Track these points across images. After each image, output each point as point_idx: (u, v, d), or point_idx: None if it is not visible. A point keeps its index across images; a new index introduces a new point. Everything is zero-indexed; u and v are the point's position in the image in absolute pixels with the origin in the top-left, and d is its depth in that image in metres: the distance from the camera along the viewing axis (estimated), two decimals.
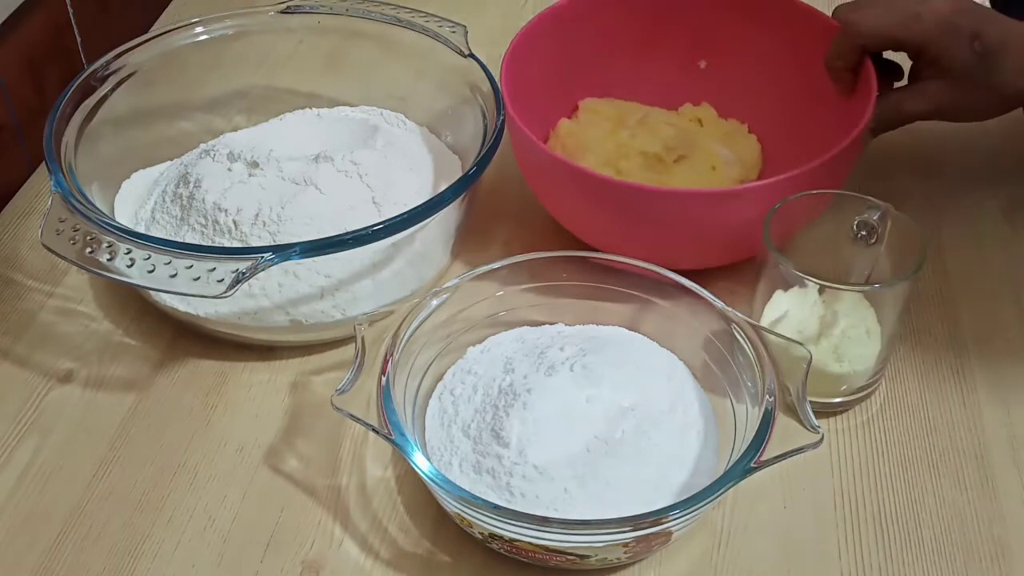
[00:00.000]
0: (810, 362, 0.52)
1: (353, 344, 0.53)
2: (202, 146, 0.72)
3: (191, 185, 0.64)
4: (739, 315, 0.55)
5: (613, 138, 0.70)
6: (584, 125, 0.72)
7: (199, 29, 0.72)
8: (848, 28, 0.65)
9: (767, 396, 0.51)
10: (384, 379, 0.52)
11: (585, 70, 0.74)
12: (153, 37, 0.71)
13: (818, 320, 0.58)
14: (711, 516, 0.54)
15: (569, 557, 0.50)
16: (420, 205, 0.58)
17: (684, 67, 0.75)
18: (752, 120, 0.73)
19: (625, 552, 0.50)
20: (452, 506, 0.50)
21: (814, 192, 0.59)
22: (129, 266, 0.54)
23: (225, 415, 0.60)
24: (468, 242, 0.68)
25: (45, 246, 0.55)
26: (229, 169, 0.65)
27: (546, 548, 0.49)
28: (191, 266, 0.53)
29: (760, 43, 0.72)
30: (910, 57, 0.66)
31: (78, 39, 0.84)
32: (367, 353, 0.53)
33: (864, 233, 0.58)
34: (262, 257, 0.54)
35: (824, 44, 0.68)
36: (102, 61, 0.68)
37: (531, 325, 0.60)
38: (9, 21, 0.75)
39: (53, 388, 0.61)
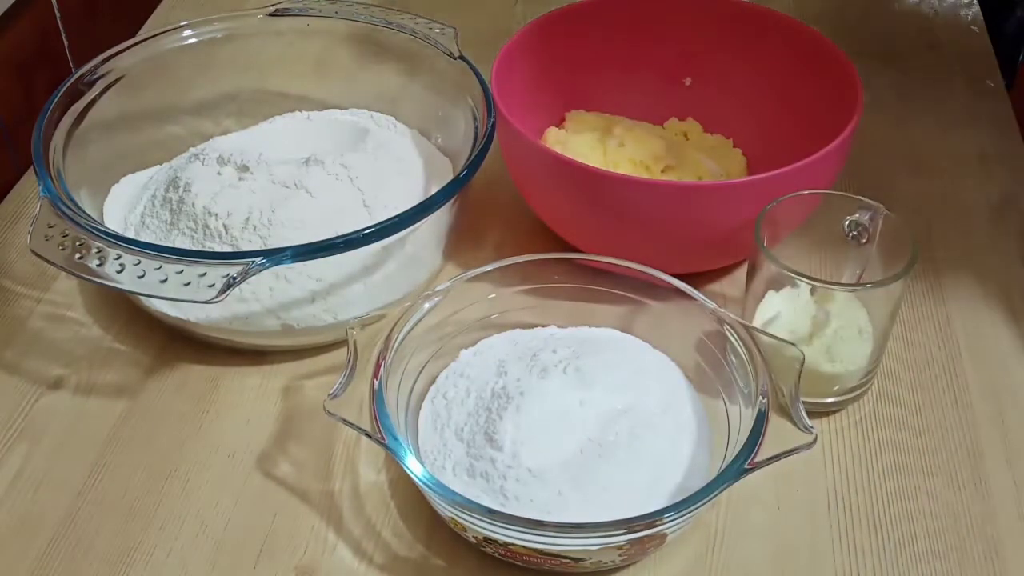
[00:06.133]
0: (803, 362, 0.52)
1: (345, 348, 0.53)
2: (191, 150, 0.72)
3: (181, 189, 0.64)
4: (731, 316, 0.55)
5: (601, 146, 0.70)
6: (572, 134, 0.72)
7: (187, 32, 0.72)
8: None
9: (760, 397, 0.51)
10: (376, 383, 0.52)
11: (572, 82, 0.74)
12: (141, 41, 0.71)
13: (810, 320, 0.58)
14: (705, 518, 0.54)
15: (564, 560, 0.50)
16: (411, 208, 0.58)
17: (670, 83, 0.76)
18: (737, 136, 0.74)
19: (620, 555, 0.50)
20: (446, 510, 0.50)
21: (805, 192, 0.59)
22: (119, 272, 0.53)
23: (217, 420, 0.59)
24: (460, 244, 0.68)
25: (34, 252, 0.55)
26: (219, 173, 0.65)
27: (540, 552, 0.49)
28: (181, 271, 0.53)
29: (745, 59, 0.73)
30: None
31: (66, 43, 0.83)
32: (359, 357, 0.53)
33: (855, 233, 0.58)
34: (253, 262, 0.53)
35: (810, 59, 0.68)
36: (90, 65, 0.68)
37: (523, 327, 0.60)
38: None
39: (43, 395, 0.61)
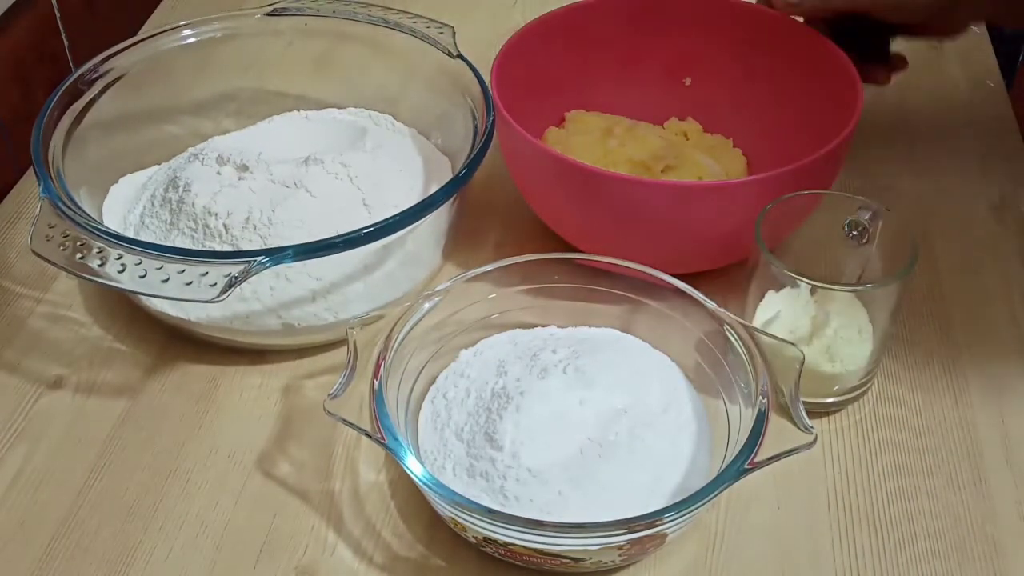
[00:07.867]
0: (803, 362, 0.52)
1: (345, 347, 0.53)
2: (190, 150, 0.72)
3: (180, 189, 0.64)
4: (731, 316, 0.55)
5: (601, 146, 0.70)
6: (572, 134, 0.72)
7: (187, 32, 0.72)
8: None
9: (760, 397, 0.51)
10: (376, 383, 0.52)
11: (572, 82, 0.74)
12: (140, 40, 0.71)
13: (810, 320, 0.58)
14: (705, 518, 0.54)
15: (563, 560, 0.50)
16: (411, 207, 0.58)
17: (669, 83, 0.76)
18: (737, 135, 0.74)
19: (620, 555, 0.50)
20: (446, 510, 0.50)
21: (805, 192, 0.59)
22: (120, 271, 0.53)
23: (217, 420, 0.59)
24: (459, 244, 0.68)
25: (35, 252, 0.55)
26: (218, 173, 0.65)
27: (540, 552, 0.49)
28: (183, 271, 0.53)
29: (745, 59, 0.73)
30: None
31: (65, 42, 0.83)
32: (359, 357, 0.53)
33: (855, 233, 0.58)
34: (255, 261, 0.53)
35: (810, 59, 0.68)
36: (89, 65, 0.68)
37: (523, 327, 0.60)
38: None
39: (43, 395, 0.61)
